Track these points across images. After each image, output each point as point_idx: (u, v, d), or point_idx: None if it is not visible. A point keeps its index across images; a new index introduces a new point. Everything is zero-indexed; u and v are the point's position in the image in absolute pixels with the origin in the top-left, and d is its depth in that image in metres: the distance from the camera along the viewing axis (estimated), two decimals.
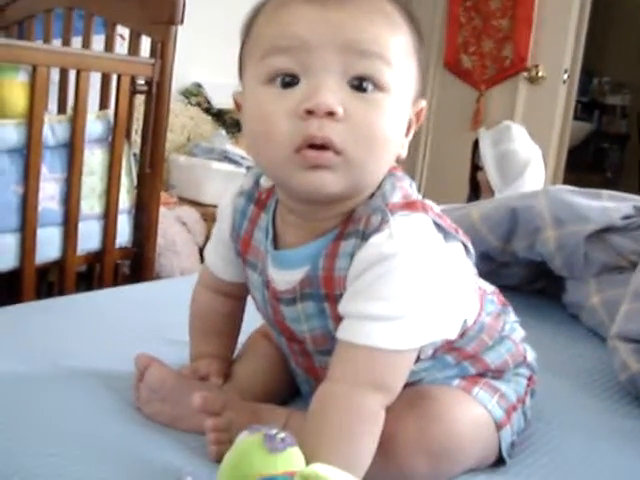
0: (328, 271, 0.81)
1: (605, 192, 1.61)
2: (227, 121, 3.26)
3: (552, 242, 1.49)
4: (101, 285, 2.07)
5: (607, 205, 1.53)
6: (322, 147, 0.74)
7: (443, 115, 4.06)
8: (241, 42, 0.83)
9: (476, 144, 2.73)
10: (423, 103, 0.86)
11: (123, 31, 2.32)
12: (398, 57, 0.78)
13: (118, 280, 2.19)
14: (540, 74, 3.80)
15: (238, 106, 0.86)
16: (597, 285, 1.45)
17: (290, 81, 0.76)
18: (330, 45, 0.75)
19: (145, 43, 2.18)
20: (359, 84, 0.76)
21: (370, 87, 0.76)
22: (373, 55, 0.76)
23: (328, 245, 0.81)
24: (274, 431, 0.70)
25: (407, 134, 0.84)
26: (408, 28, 0.80)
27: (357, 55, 0.75)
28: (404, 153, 0.84)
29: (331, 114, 0.74)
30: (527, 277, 1.63)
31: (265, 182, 0.92)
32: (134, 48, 2.17)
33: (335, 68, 0.75)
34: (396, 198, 0.81)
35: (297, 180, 0.77)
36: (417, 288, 0.77)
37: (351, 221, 0.81)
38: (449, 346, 0.89)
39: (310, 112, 0.74)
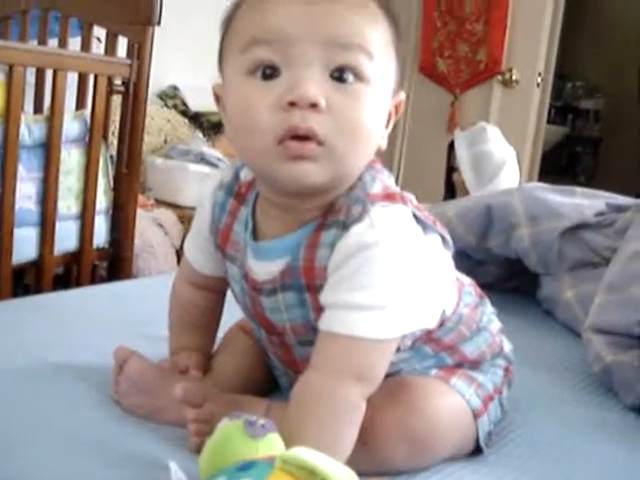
0: (309, 261, 0.81)
1: (578, 189, 1.64)
2: (204, 124, 3.26)
3: (527, 239, 1.51)
4: (79, 287, 2.06)
5: (580, 202, 1.56)
6: (305, 138, 0.75)
7: (418, 119, 4.09)
8: (221, 36, 0.84)
9: (451, 146, 2.75)
10: (402, 95, 0.87)
11: (99, 34, 2.31)
12: (378, 49, 0.79)
13: (95, 282, 2.18)
14: (514, 77, 3.84)
15: (217, 98, 0.86)
16: (571, 280, 1.47)
17: (271, 73, 0.76)
18: (311, 38, 0.75)
19: (122, 45, 2.18)
20: (340, 75, 0.76)
21: (351, 78, 0.77)
22: (354, 47, 0.76)
23: (308, 236, 0.82)
24: (255, 417, 0.71)
25: (387, 125, 0.85)
26: (387, 21, 0.81)
27: (338, 48, 0.76)
28: (384, 144, 0.85)
29: (314, 106, 0.74)
30: (502, 275, 1.65)
31: (245, 176, 0.92)
32: (111, 49, 2.16)
33: (316, 61, 0.75)
34: (376, 189, 0.82)
35: (280, 171, 0.77)
36: (399, 277, 0.78)
37: (331, 212, 0.81)
38: (428, 337, 0.90)
39: (293, 104, 0.74)
